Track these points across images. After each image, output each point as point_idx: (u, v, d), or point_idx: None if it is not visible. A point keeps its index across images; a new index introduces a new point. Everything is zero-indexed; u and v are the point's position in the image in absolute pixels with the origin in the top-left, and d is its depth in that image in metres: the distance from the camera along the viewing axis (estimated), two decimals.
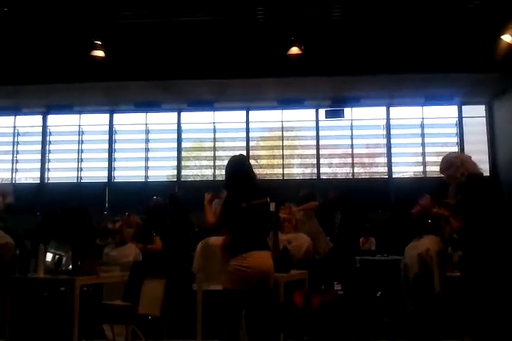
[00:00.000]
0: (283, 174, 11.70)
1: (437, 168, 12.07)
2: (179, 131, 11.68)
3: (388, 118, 11.48)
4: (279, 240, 5.01)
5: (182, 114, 11.70)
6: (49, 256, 4.42)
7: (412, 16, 8.80)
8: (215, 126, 11.73)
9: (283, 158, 11.74)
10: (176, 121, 11.70)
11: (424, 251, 3.95)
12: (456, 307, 3.78)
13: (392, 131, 11.47)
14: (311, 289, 4.66)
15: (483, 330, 3.52)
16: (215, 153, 11.75)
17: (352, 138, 11.54)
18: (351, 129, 11.55)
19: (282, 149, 11.73)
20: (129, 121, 11.86)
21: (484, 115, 11.42)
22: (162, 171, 11.71)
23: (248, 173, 3.71)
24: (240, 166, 3.75)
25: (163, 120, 11.77)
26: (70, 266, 4.22)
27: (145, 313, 4.09)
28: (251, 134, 11.73)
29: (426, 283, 3.91)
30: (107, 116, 11.73)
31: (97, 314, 4.13)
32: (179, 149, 11.59)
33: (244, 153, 11.60)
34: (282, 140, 11.76)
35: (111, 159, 11.59)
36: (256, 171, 12.55)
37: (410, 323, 4.02)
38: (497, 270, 3.43)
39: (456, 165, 3.71)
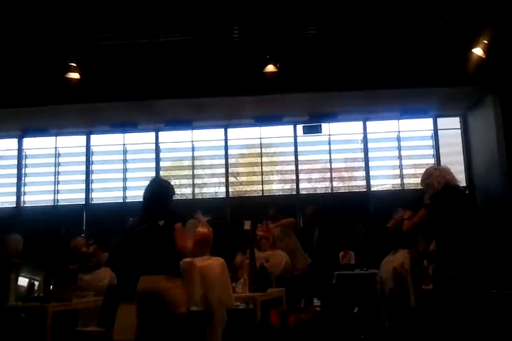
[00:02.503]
0: (262, 190, 11.70)
1: (414, 180, 12.25)
2: (157, 150, 11.65)
3: (365, 133, 11.58)
4: (256, 258, 5.00)
5: (160, 133, 11.68)
6: (24, 281, 4.34)
7: (386, 33, 8.95)
8: (193, 145, 11.72)
9: (262, 175, 11.75)
10: (154, 141, 11.67)
11: (399, 265, 3.96)
12: (430, 321, 3.78)
13: (370, 145, 11.57)
14: (290, 306, 4.64)
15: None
16: (193, 172, 11.72)
17: (330, 153, 11.61)
18: (329, 144, 11.63)
19: (261, 166, 11.75)
20: (106, 142, 11.80)
21: (459, 127, 11.59)
22: (141, 191, 11.59)
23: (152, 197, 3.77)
24: (147, 190, 3.86)
25: (140, 140, 11.73)
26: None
27: (120, 339, 4.01)
28: (230, 152, 11.74)
29: (401, 297, 3.90)
30: (83, 137, 11.67)
31: None
32: (157, 169, 11.54)
33: (223, 170, 11.62)
34: (261, 156, 11.78)
35: (88, 181, 11.49)
36: (235, 188, 12.55)
37: (387, 338, 4.00)
38: (466, 280, 3.45)
39: (434, 175, 3.85)
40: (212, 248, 4.15)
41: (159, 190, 3.85)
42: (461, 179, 10.84)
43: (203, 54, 9.25)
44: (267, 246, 5.38)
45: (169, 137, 11.81)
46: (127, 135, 11.65)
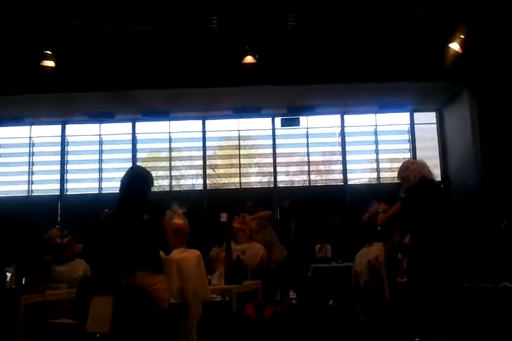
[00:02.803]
0: (240, 183, 11.69)
1: (391, 174, 12.32)
2: (134, 141, 11.53)
3: (343, 126, 11.64)
4: (232, 250, 4.99)
5: (137, 124, 11.56)
6: None
7: (365, 27, 8.98)
8: (170, 136, 11.63)
9: (240, 167, 11.74)
10: (131, 132, 11.54)
11: (373, 258, 3.99)
12: (405, 313, 3.84)
13: (347, 139, 11.63)
14: (266, 298, 4.64)
15: (432, 335, 3.59)
16: (171, 163, 11.64)
17: (308, 146, 11.64)
18: (307, 137, 11.66)
19: (239, 158, 11.74)
20: (81, 132, 11.63)
21: (435, 122, 11.72)
22: (117, 183, 11.49)
23: (131, 186, 3.58)
24: (125, 179, 3.65)
25: (117, 130, 11.59)
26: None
27: (93, 331, 3.97)
28: (208, 143, 11.69)
29: (376, 290, 3.93)
30: (59, 127, 11.48)
31: (43, 333, 3.98)
32: (134, 160, 11.43)
33: (201, 162, 11.57)
34: (239, 149, 11.76)
35: (63, 171, 11.32)
36: (213, 180, 12.48)
37: (362, 331, 4.04)
38: (439, 273, 3.50)
39: (411, 168, 3.87)
40: (188, 240, 4.13)
41: (139, 179, 3.65)
42: (436, 173, 11.05)
43: (181, 44, 9.16)
44: (243, 239, 5.36)
45: (146, 128, 11.69)
46: (103, 125, 11.50)
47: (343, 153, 11.58)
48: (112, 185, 11.19)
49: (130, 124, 11.54)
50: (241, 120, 11.63)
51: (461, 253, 3.96)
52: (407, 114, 11.75)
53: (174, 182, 11.66)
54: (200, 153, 11.60)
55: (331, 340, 4.26)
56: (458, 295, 3.67)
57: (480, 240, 8.16)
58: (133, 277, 3.38)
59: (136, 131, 11.57)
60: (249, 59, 8.89)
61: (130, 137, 11.53)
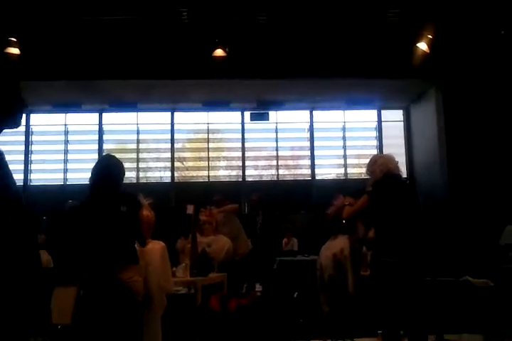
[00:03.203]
0: (208, 176, 11.64)
1: (358, 170, 12.47)
2: (100, 132, 11.35)
3: (311, 122, 11.70)
4: (198, 243, 4.97)
5: (104, 114, 11.37)
6: None
7: (334, 24, 9.03)
8: (138, 128, 11.49)
9: (209, 160, 11.69)
10: (98, 122, 11.36)
11: (338, 251, 4.03)
12: (368, 306, 3.89)
13: (315, 134, 11.71)
14: (232, 291, 4.64)
15: (394, 327, 3.65)
16: (138, 155, 11.50)
17: (277, 141, 11.67)
18: (276, 132, 11.68)
19: (208, 151, 11.68)
20: (46, 122, 11.37)
21: (402, 119, 11.90)
22: (82, 174, 11.30)
23: (104, 176, 3.45)
24: (99, 167, 3.51)
25: (83, 121, 11.38)
26: None
27: (58, 323, 3.90)
28: (176, 136, 11.59)
29: (340, 282, 3.98)
30: (23, 116, 11.17)
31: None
32: (100, 151, 11.24)
33: (169, 155, 11.47)
34: (208, 142, 11.71)
35: (27, 161, 11.07)
36: (181, 173, 12.41)
37: (326, 323, 4.08)
38: (401, 266, 3.55)
39: (378, 162, 3.90)
40: (153, 231, 4.09)
41: (113, 168, 3.51)
42: (402, 171, 11.27)
43: (151, 35, 9.04)
44: (209, 231, 5.35)
45: (113, 119, 11.51)
46: (69, 115, 11.27)
47: (312, 148, 11.65)
48: (77, 176, 11.02)
49: (97, 115, 11.35)
50: (210, 113, 11.57)
51: (423, 247, 4.04)
52: (375, 111, 11.89)
53: (141, 175, 11.54)
54: (169, 146, 11.50)
55: (295, 332, 4.29)
56: (420, 289, 3.73)
57: (443, 236, 8.35)
58: (112, 269, 3.29)
59: (103, 122, 11.38)
60: (219, 52, 8.84)
61: (97, 128, 11.34)
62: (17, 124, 1.87)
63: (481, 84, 9.60)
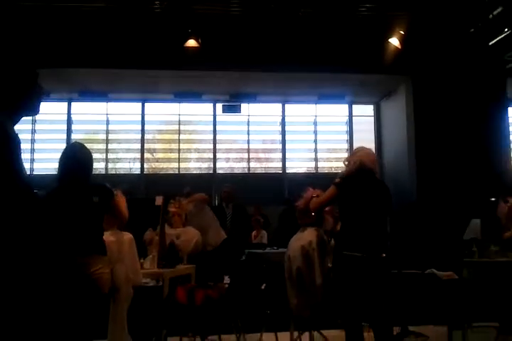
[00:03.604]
0: (179, 168, 11.56)
1: (328, 164, 12.50)
2: (69, 121, 11.13)
3: (283, 115, 11.72)
4: (166, 234, 4.93)
5: (72, 104, 11.16)
6: None
7: (307, 18, 9.03)
8: (108, 118, 11.31)
9: (179, 152, 11.59)
10: (66, 112, 11.14)
11: (307, 243, 4.03)
12: (334, 298, 3.93)
13: (287, 128, 11.73)
14: (200, 282, 4.62)
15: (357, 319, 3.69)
16: (107, 146, 11.33)
17: (248, 134, 11.65)
18: (248, 125, 11.66)
19: (179, 143, 11.59)
20: None
21: (372, 114, 12.01)
22: (49, 164, 11.08)
23: (73, 164, 3.33)
24: (67, 155, 3.39)
25: (51, 110, 11.13)
26: None
27: None
28: (147, 127, 11.47)
29: (308, 275, 3.99)
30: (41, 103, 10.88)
31: None
32: (69, 141, 11.02)
33: (139, 146, 11.34)
34: (179, 134, 11.61)
35: None
36: (151, 165, 12.26)
37: (293, 314, 4.10)
38: (362, 259, 3.58)
39: (357, 154, 3.89)
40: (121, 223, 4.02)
41: (83, 157, 3.39)
42: (376, 167, 11.38)
43: (123, 24, 8.89)
44: (178, 223, 5.31)
45: (83, 108, 11.31)
46: None
47: (283, 141, 11.67)
48: (44, 166, 10.79)
49: (66, 104, 11.12)
50: (182, 104, 11.47)
51: (386, 241, 4.09)
52: (346, 106, 11.97)
53: (110, 166, 11.38)
54: (139, 137, 11.36)
55: (262, 324, 4.30)
56: (382, 282, 3.77)
57: (410, 229, 8.48)
58: (81, 260, 3.22)
59: (72, 112, 11.17)
60: (191, 43, 8.76)
61: (65, 117, 11.12)
62: (36, 112, 1.86)
63: (451, 80, 9.75)
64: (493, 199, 5.65)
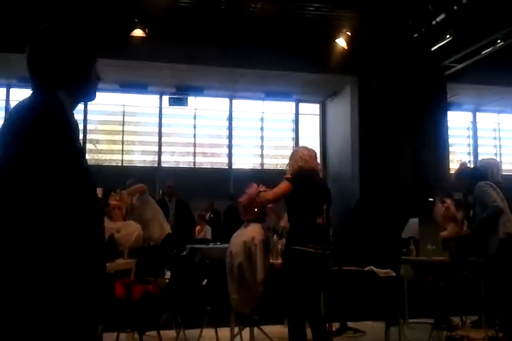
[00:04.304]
0: (122, 160, 11.30)
1: (274, 161, 12.56)
2: (7, 109, 10.63)
3: (231, 110, 11.67)
4: (106, 228, 4.78)
5: (11, 90, 10.67)
6: None
7: (256, 16, 9.00)
8: None
9: (123, 144, 11.33)
10: (4, 98, 10.65)
11: (249, 239, 4.01)
12: (276, 294, 3.94)
13: (234, 123, 11.69)
14: (140, 277, 4.51)
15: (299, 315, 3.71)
16: None
17: (195, 128, 11.53)
18: (194, 119, 11.54)
19: (123, 134, 11.32)
20: None
21: (318, 113, 12.16)
22: None
23: None
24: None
25: None
26: None
27: None
28: (89, 117, 11.13)
29: (250, 270, 3.97)
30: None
31: None
32: None
33: (81, 136, 10.98)
34: (123, 125, 11.33)
35: None
36: (93, 156, 11.93)
37: (234, 310, 4.08)
38: (311, 255, 3.63)
39: (295, 157, 3.93)
40: None
41: None
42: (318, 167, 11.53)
43: (66, 8, 8.56)
44: (119, 216, 5.16)
45: (22, 95, 10.80)
46: None
47: (230, 137, 11.63)
48: None
49: (4, 90, 10.63)
50: (126, 95, 11.21)
51: (330, 237, 4.16)
52: (293, 104, 12.06)
53: None
54: (81, 127, 10.98)
55: (203, 320, 4.26)
56: (327, 277, 3.83)
57: (352, 227, 8.64)
58: None
59: (11, 98, 10.68)
60: (138, 32, 8.58)
61: (3, 104, 10.63)
62: (94, 97, 1.82)
63: (394, 83, 9.99)
64: (430, 199, 5.82)
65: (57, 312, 1.45)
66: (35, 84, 1.69)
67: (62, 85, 1.67)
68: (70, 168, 1.53)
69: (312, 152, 4.01)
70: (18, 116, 1.58)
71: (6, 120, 1.62)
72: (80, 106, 10.18)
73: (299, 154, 3.94)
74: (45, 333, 1.44)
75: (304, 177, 3.83)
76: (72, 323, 1.49)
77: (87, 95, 1.82)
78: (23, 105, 1.62)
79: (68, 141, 1.55)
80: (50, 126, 1.52)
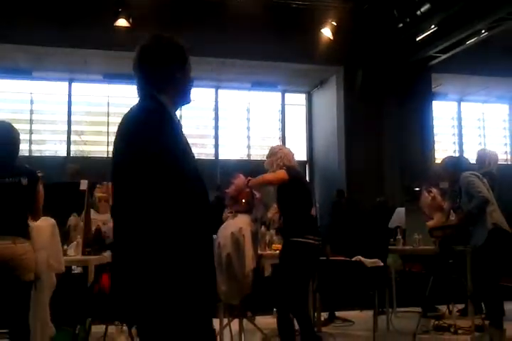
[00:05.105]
0: (108, 152, 11.18)
1: (261, 152, 12.53)
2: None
3: (216, 101, 11.60)
4: (92, 220, 4.75)
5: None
6: None
7: (242, 6, 8.95)
8: (32, 97, 10.74)
9: (108, 135, 11.20)
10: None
11: (237, 230, 4.00)
12: (265, 285, 3.97)
13: (220, 114, 11.63)
14: None
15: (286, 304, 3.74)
16: (31, 127, 10.78)
17: (181, 118, 11.43)
18: (180, 109, 11.36)
19: (108, 126, 11.19)
20: None
21: (304, 104, 12.14)
22: None
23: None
24: None
25: None
26: None
27: None
28: (74, 108, 10.99)
29: (238, 262, 3.97)
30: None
31: None
32: None
33: (65, 127, 10.86)
34: (108, 116, 11.21)
35: None
36: (78, 147, 11.81)
37: (222, 302, 4.08)
38: (307, 246, 3.69)
39: (277, 156, 3.98)
40: (44, 208, 3.82)
41: (10, 136, 3.37)
42: (302, 154, 11.55)
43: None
44: (105, 209, 5.11)
45: (5, 86, 10.67)
46: None
47: (216, 127, 11.57)
48: None
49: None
50: (111, 86, 11.08)
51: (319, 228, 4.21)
52: (279, 94, 12.02)
53: (35, 147, 10.84)
54: (65, 118, 10.88)
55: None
56: (319, 267, 3.92)
57: (339, 217, 8.68)
58: (7, 242, 3.03)
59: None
60: (122, 22, 8.47)
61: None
62: (189, 100, 1.97)
63: (380, 73, 10.01)
64: (417, 189, 5.86)
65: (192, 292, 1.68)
66: (143, 91, 1.90)
67: (164, 90, 1.86)
68: (187, 163, 1.80)
69: (292, 152, 4.09)
70: (139, 119, 1.80)
71: (123, 123, 1.87)
72: (65, 98, 10.07)
73: (283, 152, 4.01)
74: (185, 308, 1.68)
75: (297, 171, 3.99)
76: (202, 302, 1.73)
77: (185, 98, 1.96)
78: (140, 109, 1.84)
79: (178, 138, 1.77)
80: (170, 127, 1.75)
